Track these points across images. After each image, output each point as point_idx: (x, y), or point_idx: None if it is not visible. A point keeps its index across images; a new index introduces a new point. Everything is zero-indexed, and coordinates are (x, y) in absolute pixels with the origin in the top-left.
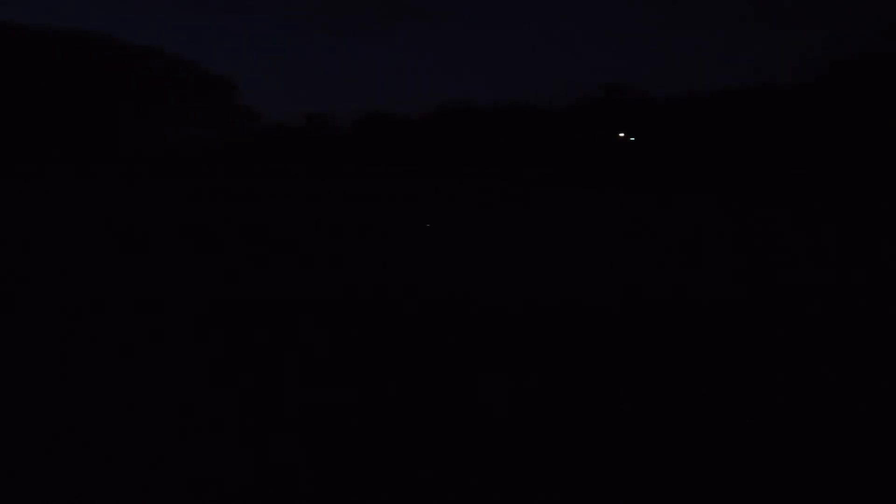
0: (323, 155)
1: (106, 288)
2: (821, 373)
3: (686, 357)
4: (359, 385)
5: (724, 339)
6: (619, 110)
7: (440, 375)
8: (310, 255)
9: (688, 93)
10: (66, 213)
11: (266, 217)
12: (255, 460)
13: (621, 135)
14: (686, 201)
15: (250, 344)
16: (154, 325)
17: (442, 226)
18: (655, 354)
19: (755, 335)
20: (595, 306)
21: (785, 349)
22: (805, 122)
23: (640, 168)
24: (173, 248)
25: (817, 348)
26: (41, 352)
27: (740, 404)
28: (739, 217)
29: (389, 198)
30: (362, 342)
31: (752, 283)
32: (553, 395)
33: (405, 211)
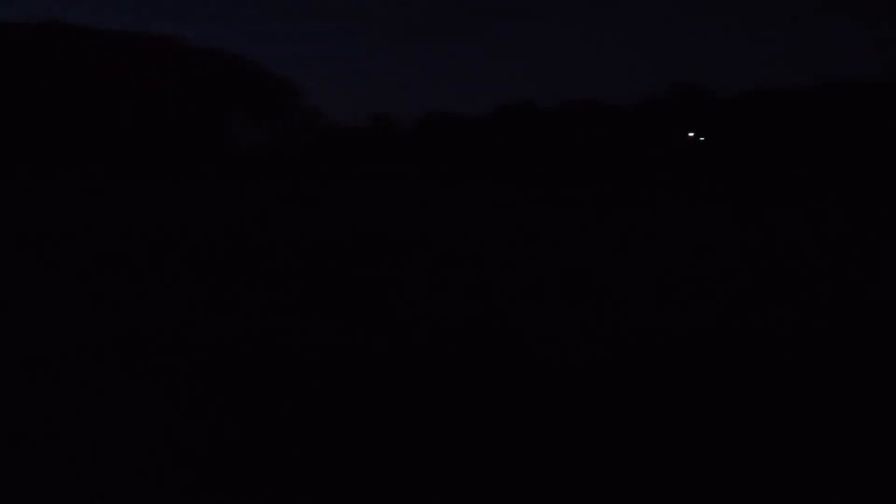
0: (386, 155)
1: (177, 284)
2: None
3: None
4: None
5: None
6: (688, 109)
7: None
8: (373, 254)
9: (759, 90)
10: (138, 212)
11: (331, 217)
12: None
13: (691, 134)
14: (757, 202)
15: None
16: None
17: (507, 227)
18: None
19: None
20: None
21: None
22: (888, 120)
23: (708, 168)
24: (240, 246)
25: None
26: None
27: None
28: (822, 219)
29: (454, 197)
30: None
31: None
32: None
33: (470, 210)
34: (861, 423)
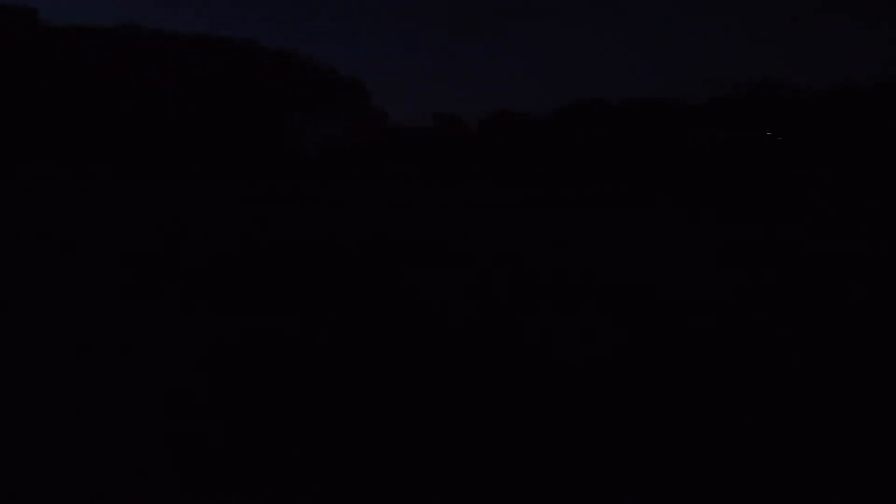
0: (451, 154)
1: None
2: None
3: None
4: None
5: None
6: (762, 106)
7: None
8: (440, 256)
9: (836, 86)
10: (206, 212)
11: (396, 217)
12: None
13: (769, 133)
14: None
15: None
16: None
17: (577, 227)
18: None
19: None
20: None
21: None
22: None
23: (784, 166)
24: (300, 246)
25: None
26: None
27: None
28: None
29: (517, 198)
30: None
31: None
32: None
33: (536, 211)
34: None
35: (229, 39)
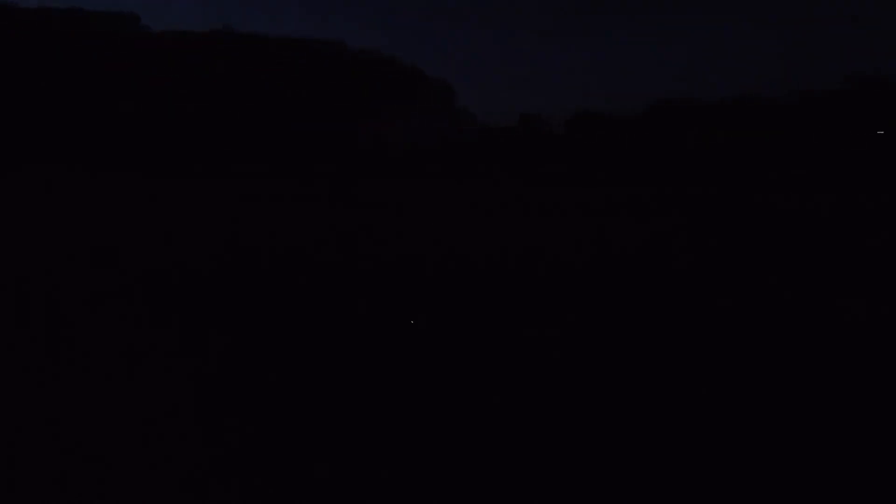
0: (536, 154)
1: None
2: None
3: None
4: None
5: None
6: (864, 103)
7: None
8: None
9: None
10: (287, 209)
11: (483, 217)
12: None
13: (881, 132)
14: None
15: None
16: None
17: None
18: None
19: None
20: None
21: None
22: None
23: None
24: (381, 246)
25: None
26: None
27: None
28: None
29: (602, 201)
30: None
31: None
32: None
33: (619, 214)
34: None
35: (317, 41)
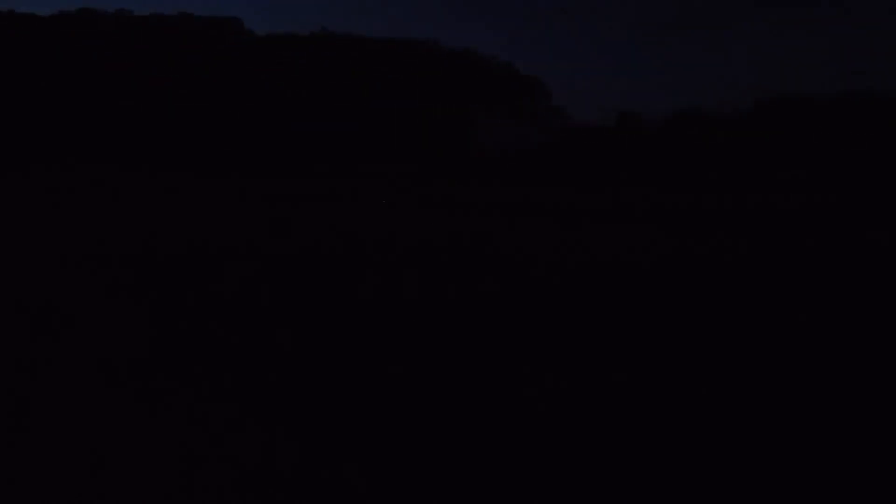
0: (632, 155)
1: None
2: None
3: None
4: None
5: None
6: None
7: None
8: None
9: None
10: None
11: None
12: None
13: None
14: None
15: None
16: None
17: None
18: None
19: None
20: None
21: None
22: None
23: None
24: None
25: None
26: None
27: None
28: None
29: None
30: None
31: None
32: None
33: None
34: None
35: (413, 41)
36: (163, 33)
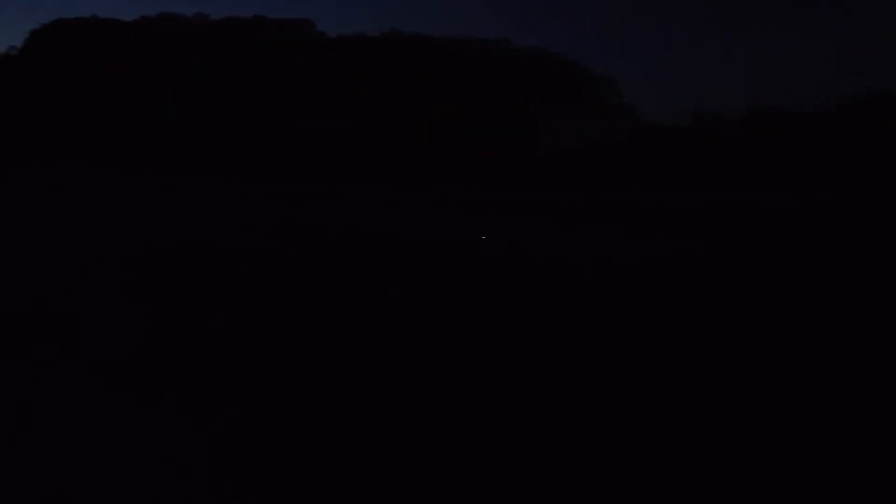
0: (707, 155)
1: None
2: None
3: None
4: None
5: None
6: None
7: None
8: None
9: None
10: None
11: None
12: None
13: None
14: None
15: None
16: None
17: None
18: None
19: None
20: None
21: None
22: None
23: None
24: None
25: None
26: None
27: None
28: None
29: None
30: None
31: None
32: None
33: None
34: None
35: (482, 40)
36: (237, 36)
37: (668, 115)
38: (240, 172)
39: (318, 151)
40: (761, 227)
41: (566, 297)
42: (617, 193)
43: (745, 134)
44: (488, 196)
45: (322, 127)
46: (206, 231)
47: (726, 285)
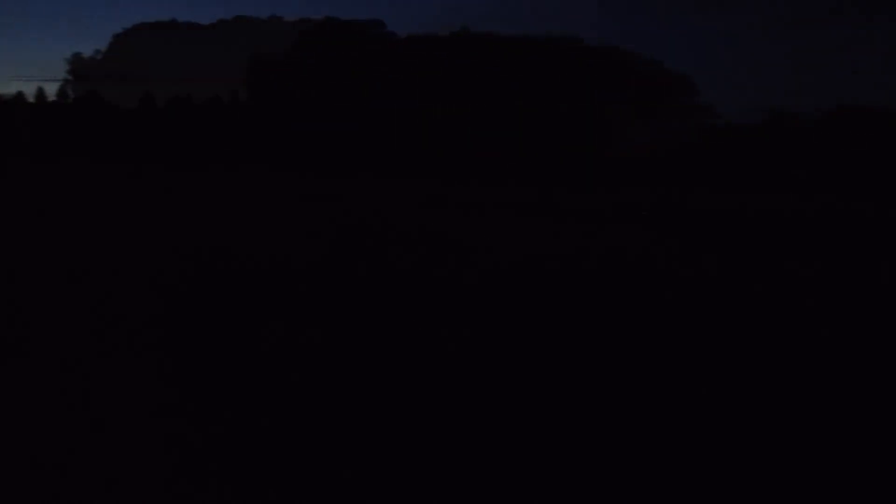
0: (785, 157)
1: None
2: None
3: None
4: None
5: None
6: None
7: None
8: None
9: None
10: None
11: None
12: None
13: None
14: None
15: None
16: None
17: None
18: None
19: None
20: None
21: None
22: None
23: None
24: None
25: None
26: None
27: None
28: None
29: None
30: None
31: None
32: None
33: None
34: None
35: (554, 38)
36: (310, 37)
37: (747, 114)
38: (328, 172)
39: (381, 151)
40: (852, 234)
41: (656, 312)
42: (696, 196)
43: (826, 133)
44: (564, 201)
45: (386, 125)
46: (275, 239)
47: (821, 303)
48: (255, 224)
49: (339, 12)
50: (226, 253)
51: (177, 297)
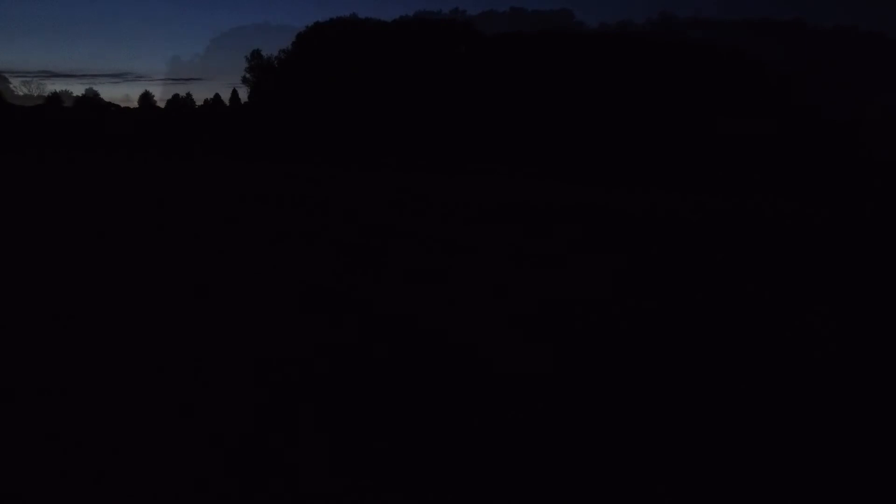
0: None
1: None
2: None
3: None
4: None
5: None
6: None
7: None
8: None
9: None
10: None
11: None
12: None
13: None
14: None
15: None
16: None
17: None
18: None
19: None
20: None
21: None
22: None
23: None
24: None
25: None
26: None
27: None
28: None
29: None
30: None
31: None
32: None
33: None
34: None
35: (650, 35)
36: (407, 37)
37: (848, 112)
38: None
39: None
40: None
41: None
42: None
43: None
44: (662, 203)
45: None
46: None
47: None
48: None
49: (526, 3)
50: None
51: None
